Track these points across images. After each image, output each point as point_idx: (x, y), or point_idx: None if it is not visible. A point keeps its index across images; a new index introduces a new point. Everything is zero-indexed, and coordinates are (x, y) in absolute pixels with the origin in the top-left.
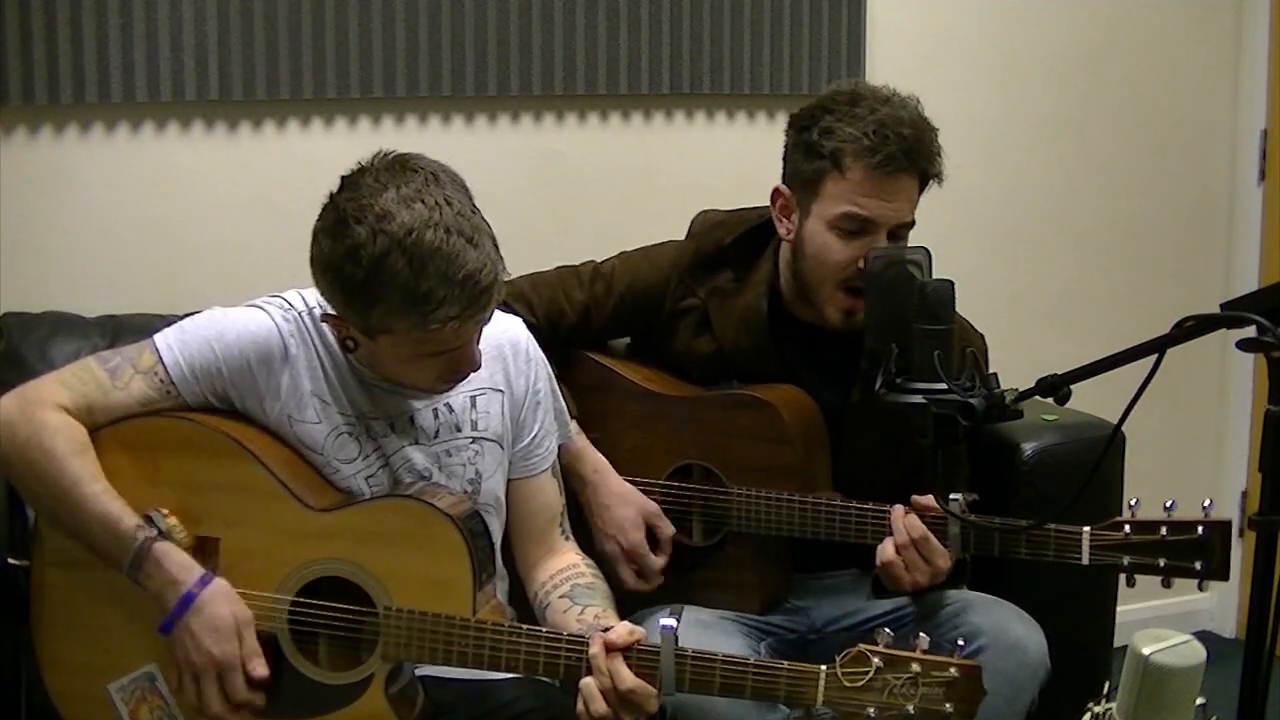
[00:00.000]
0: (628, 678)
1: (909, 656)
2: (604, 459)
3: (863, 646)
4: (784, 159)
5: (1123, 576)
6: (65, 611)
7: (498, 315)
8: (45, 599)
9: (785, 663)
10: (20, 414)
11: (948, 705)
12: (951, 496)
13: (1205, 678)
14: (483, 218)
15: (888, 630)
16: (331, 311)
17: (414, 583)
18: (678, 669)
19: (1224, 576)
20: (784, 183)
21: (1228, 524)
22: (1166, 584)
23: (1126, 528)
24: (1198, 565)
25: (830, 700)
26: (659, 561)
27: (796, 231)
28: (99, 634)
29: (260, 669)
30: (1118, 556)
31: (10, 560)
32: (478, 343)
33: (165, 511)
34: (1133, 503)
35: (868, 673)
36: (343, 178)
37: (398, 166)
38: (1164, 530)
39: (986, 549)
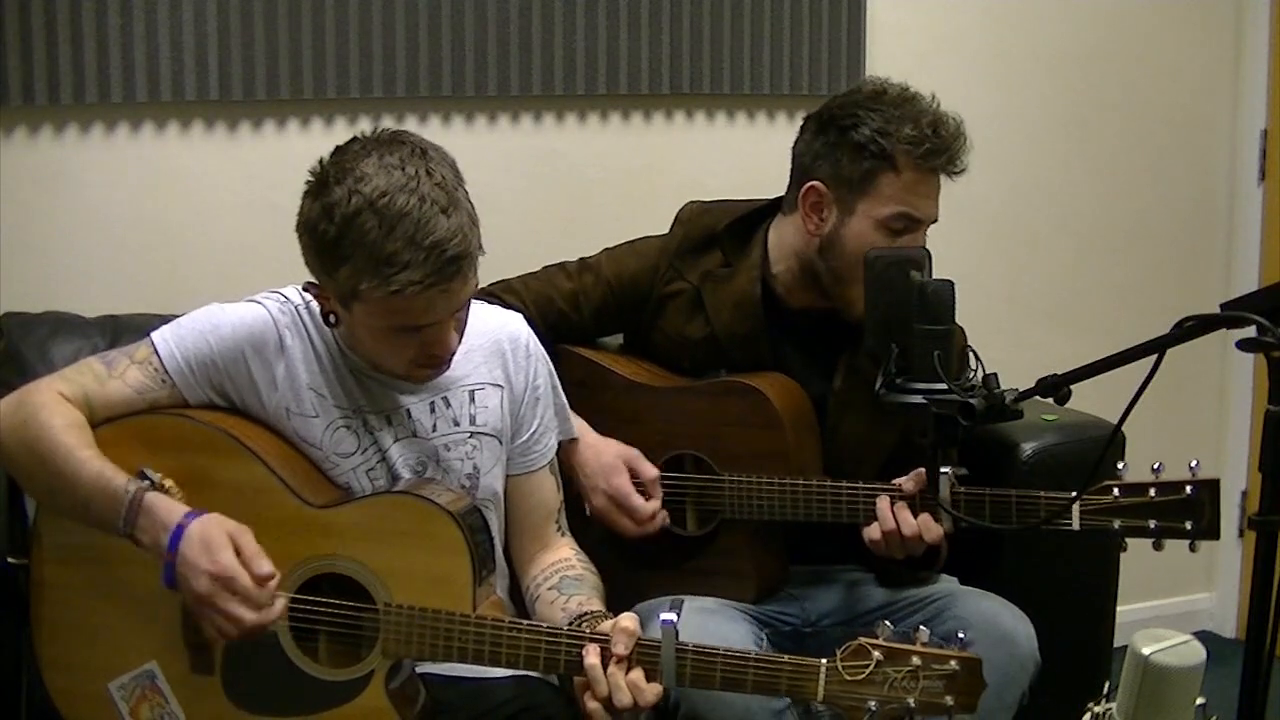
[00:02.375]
0: (625, 696)
1: (909, 650)
2: (581, 421)
3: (863, 640)
4: (818, 156)
5: (1121, 552)
6: (65, 610)
7: (496, 311)
8: (44, 598)
9: (786, 656)
10: (17, 401)
11: (948, 698)
12: (941, 470)
13: (1205, 678)
14: (467, 196)
15: (888, 623)
16: (314, 280)
17: (414, 579)
18: (678, 664)
19: (1214, 535)
20: (820, 180)
21: (1215, 482)
22: (1158, 546)
23: (1115, 491)
24: (1188, 525)
25: (831, 694)
26: (649, 505)
27: (832, 229)
28: (98, 632)
29: (265, 565)
30: (1108, 520)
31: (10, 559)
32: (455, 330)
33: (161, 474)
34: (1120, 466)
35: (868, 666)
36: (336, 146)
37: (388, 138)
38: (1153, 491)
39: (978, 517)
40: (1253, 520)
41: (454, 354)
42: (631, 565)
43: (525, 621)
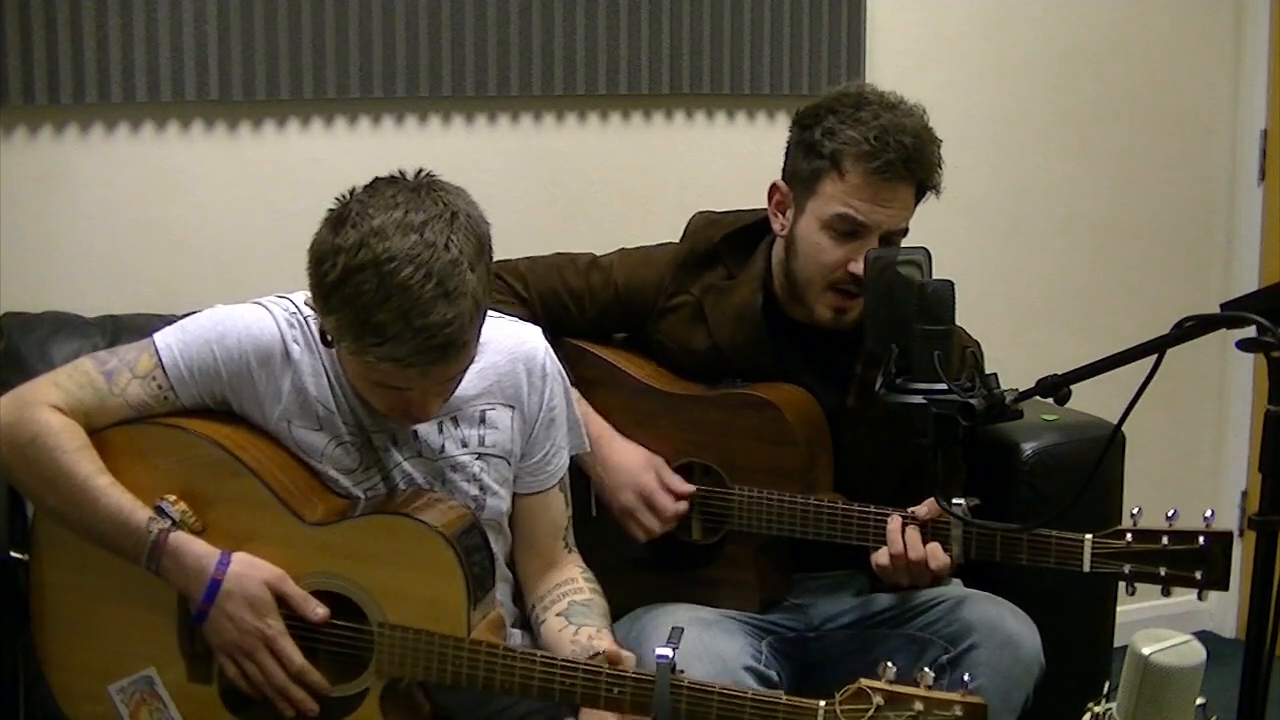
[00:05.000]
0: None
1: (912, 694)
2: (605, 423)
3: (864, 682)
4: (785, 155)
5: (1122, 584)
6: (65, 611)
7: (514, 327)
8: (45, 597)
9: (783, 695)
10: (19, 417)
11: None
12: (955, 501)
13: (1205, 678)
14: (487, 270)
15: (890, 664)
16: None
17: (408, 600)
18: (673, 699)
19: (1224, 586)
20: (783, 179)
21: (1229, 535)
22: (1166, 592)
23: (1128, 536)
24: (1198, 575)
25: None
26: (675, 504)
27: (790, 228)
28: (98, 635)
29: (319, 610)
30: (1118, 565)
31: (12, 554)
32: (440, 396)
33: (173, 499)
34: (1135, 511)
35: (868, 710)
36: (376, 178)
37: (423, 190)
38: (1165, 540)
39: (988, 554)
40: (1253, 520)
41: (430, 417)
42: (634, 570)
43: (519, 649)
